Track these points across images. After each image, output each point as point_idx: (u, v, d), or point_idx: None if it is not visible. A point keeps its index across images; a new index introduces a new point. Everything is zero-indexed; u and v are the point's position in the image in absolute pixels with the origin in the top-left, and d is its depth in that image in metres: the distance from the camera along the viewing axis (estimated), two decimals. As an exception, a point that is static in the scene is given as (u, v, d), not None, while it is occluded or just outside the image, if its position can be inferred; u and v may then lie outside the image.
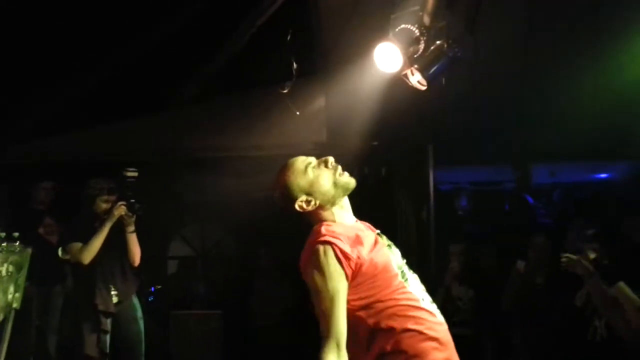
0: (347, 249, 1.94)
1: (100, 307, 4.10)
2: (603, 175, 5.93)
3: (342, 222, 2.09)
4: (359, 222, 2.17)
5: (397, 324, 1.92)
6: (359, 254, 1.96)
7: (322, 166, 2.10)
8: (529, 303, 4.34)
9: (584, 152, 5.37)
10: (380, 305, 1.94)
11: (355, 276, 1.94)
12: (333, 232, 1.99)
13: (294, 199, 2.07)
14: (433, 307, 2.01)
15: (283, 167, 2.13)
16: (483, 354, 4.75)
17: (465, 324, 4.63)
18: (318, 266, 1.93)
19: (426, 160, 4.58)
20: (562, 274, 4.16)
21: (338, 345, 1.88)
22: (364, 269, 1.95)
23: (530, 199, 6.33)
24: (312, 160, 2.13)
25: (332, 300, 1.91)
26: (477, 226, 6.28)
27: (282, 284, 6.25)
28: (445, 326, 2.01)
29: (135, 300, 4.32)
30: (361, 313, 1.95)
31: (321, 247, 1.94)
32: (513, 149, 5.30)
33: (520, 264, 4.40)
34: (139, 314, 4.31)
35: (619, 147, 5.12)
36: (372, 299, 1.95)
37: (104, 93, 5.07)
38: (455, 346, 2.02)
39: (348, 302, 1.94)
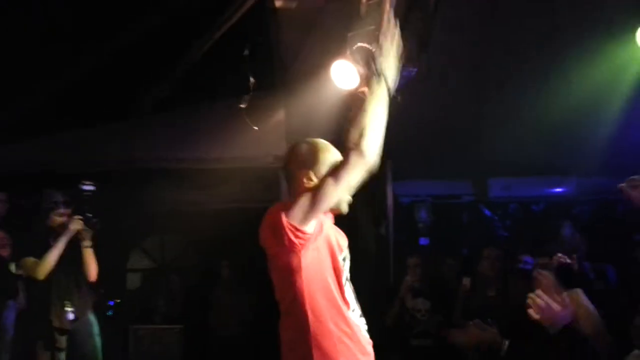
0: None
1: (55, 324, 4.03)
2: (557, 190, 6.10)
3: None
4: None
5: (331, 323, 1.99)
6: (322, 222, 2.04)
7: None
8: (480, 315, 4.41)
9: (538, 167, 5.52)
10: (322, 288, 2.00)
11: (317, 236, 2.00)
12: None
13: (306, 167, 2.09)
14: (361, 321, 2.10)
15: (319, 141, 2.17)
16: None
17: (424, 335, 4.68)
18: (288, 203, 1.99)
19: (385, 175, 4.64)
20: (513, 286, 4.25)
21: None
22: (322, 235, 2.02)
23: (487, 212, 6.47)
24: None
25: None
26: (436, 238, 6.37)
27: (243, 296, 6.23)
28: (370, 343, 2.09)
29: (92, 316, 4.25)
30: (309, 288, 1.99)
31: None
32: (470, 164, 5.41)
33: (466, 280, 4.48)
34: (95, 330, 4.23)
35: (571, 163, 5.27)
36: (320, 274, 2.00)
37: (61, 102, 4.98)
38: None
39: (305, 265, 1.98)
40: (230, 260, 6.31)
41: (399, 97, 3.46)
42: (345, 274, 2.10)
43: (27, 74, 4.54)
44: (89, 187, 4.10)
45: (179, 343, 5.85)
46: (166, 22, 3.98)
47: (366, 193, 2.13)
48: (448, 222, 6.45)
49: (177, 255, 7.56)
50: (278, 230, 1.95)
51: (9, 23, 3.99)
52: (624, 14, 3.85)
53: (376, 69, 1.99)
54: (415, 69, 3.28)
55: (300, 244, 1.95)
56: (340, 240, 2.15)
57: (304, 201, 1.96)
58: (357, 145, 1.90)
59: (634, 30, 3.59)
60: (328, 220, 2.14)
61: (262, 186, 5.03)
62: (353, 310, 2.07)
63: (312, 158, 2.11)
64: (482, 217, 6.45)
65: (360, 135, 1.91)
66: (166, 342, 5.86)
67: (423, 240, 6.18)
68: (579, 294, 3.35)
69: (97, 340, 4.24)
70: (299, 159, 2.12)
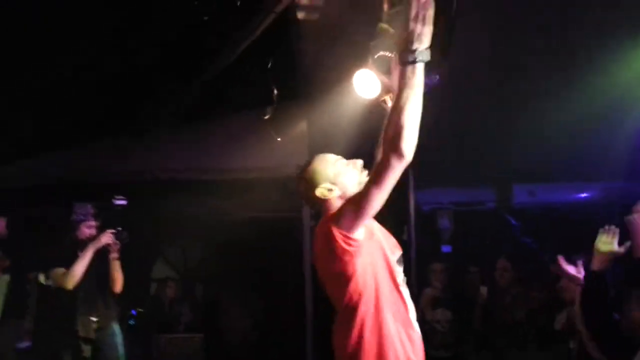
0: None
1: (81, 334, 4.08)
2: (582, 195, 6.04)
3: None
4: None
5: (389, 319, 2.01)
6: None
7: (351, 166, 2.22)
8: (497, 324, 4.41)
9: (562, 173, 5.46)
10: (378, 285, 2.01)
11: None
12: None
13: (316, 185, 2.16)
14: (417, 325, 2.13)
15: (314, 157, 2.26)
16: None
17: (444, 346, 4.65)
18: (333, 214, 2.04)
19: (407, 183, 4.62)
20: (529, 292, 4.25)
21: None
22: (373, 239, 2.06)
23: (510, 219, 6.40)
24: (343, 158, 2.25)
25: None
26: (459, 246, 6.32)
27: (264, 306, 6.24)
28: (420, 336, 2.13)
29: (116, 326, 4.30)
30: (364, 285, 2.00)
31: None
32: (493, 170, 5.37)
33: (483, 289, 4.51)
34: (119, 340, 4.29)
35: (595, 169, 5.21)
36: (375, 278, 2.02)
37: (86, 114, 5.05)
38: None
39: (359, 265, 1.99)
40: (252, 270, 6.33)
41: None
42: (401, 276, 2.11)
43: (50, 85, 4.61)
44: (120, 202, 4.19)
45: (200, 352, 5.88)
46: (191, 33, 4.03)
47: (388, 201, 2.13)
48: (471, 229, 6.39)
49: (198, 265, 7.61)
50: (330, 241, 1.97)
51: (36, 30, 4.03)
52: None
53: (410, 57, 1.85)
54: (437, 76, 3.26)
55: (352, 251, 1.96)
56: (391, 242, 2.18)
57: (349, 208, 1.97)
58: (395, 147, 1.81)
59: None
60: (375, 223, 2.15)
61: (284, 196, 5.04)
62: (411, 313, 2.10)
63: (315, 180, 2.17)
64: (506, 223, 6.39)
65: (396, 135, 1.82)
66: (188, 351, 5.90)
67: (445, 248, 6.14)
68: None
69: (121, 350, 4.29)
70: (309, 184, 2.18)
